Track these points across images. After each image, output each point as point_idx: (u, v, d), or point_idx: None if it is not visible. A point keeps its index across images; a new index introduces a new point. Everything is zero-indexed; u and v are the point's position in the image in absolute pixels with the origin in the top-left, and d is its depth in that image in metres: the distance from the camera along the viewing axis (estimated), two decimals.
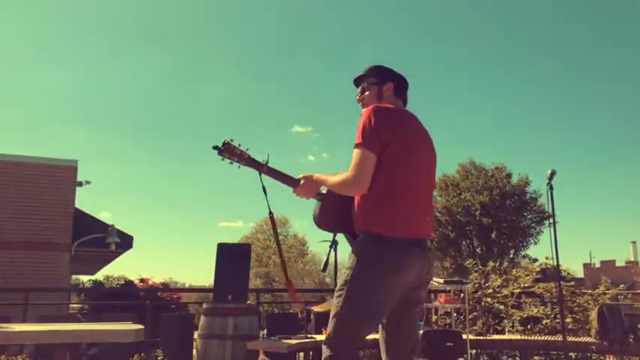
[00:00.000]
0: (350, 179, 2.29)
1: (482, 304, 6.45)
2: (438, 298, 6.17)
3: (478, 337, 5.60)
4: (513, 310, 6.37)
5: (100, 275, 18.94)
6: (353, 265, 2.37)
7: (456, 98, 51.79)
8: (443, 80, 53.38)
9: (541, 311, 6.42)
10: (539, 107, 50.70)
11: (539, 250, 30.17)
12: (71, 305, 12.45)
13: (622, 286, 6.94)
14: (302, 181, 2.53)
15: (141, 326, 3.31)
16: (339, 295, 2.40)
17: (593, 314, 5.26)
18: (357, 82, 2.68)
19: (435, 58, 52.91)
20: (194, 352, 5.75)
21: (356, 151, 2.29)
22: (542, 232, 29.09)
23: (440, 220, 29.60)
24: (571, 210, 51.62)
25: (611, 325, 5.02)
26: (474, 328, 6.04)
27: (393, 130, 2.32)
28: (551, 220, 4.47)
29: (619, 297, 6.62)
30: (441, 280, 6.78)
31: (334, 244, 3.54)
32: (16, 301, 8.14)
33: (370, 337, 5.85)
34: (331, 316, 2.42)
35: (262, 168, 2.58)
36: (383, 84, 2.57)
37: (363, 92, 2.64)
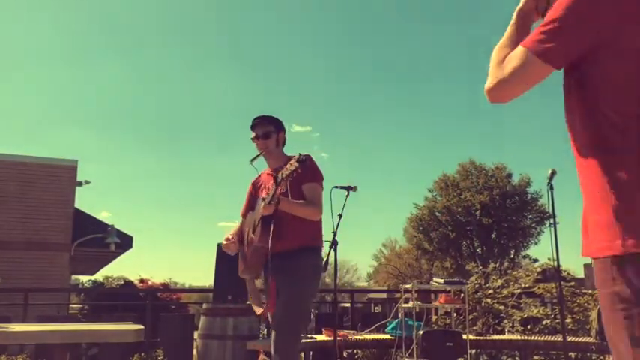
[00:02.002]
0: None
1: (482, 304, 6.45)
2: (438, 298, 6.17)
3: (478, 337, 5.60)
4: (513, 311, 6.37)
5: (99, 275, 18.94)
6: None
7: (457, 98, 51.80)
8: (443, 80, 53.42)
9: (541, 311, 6.42)
10: (539, 107, 50.71)
11: (539, 251, 30.16)
12: (71, 305, 12.45)
13: None
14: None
15: (141, 326, 3.31)
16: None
17: (593, 314, 5.26)
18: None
19: (435, 57, 52.93)
20: (194, 352, 5.75)
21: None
22: (543, 232, 29.07)
23: (440, 220, 29.61)
24: (571, 210, 51.54)
25: None
26: (474, 328, 6.03)
27: None
28: (552, 221, 4.47)
29: None
30: (441, 280, 6.78)
31: (334, 244, 3.55)
32: (16, 301, 8.14)
33: (370, 337, 5.86)
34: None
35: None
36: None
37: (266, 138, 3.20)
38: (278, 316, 2.90)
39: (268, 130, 3.19)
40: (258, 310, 3.05)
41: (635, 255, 1.07)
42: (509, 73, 1.25)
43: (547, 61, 1.21)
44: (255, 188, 3.32)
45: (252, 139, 3.22)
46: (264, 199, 2.89)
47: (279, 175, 2.72)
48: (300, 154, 2.62)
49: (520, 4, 1.40)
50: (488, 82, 1.30)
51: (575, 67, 1.22)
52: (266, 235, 2.91)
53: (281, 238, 2.91)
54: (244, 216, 3.35)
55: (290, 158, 3.01)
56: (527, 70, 1.23)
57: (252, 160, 3.20)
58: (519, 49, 1.24)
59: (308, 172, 2.91)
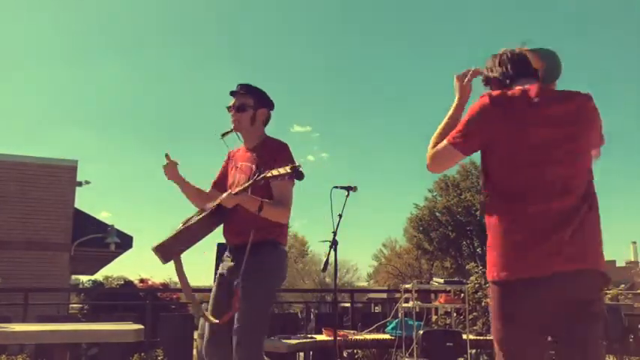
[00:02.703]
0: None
1: (482, 304, 6.45)
2: (438, 298, 6.17)
3: (478, 337, 5.60)
4: None
5: (99, 275, 18.96)
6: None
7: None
8: (443, 80, 53.41)
9: None
10: None
11: None
12: (71, 305, 12.45)
13: (622, 286, 6.94)
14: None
15: (141, 326, 3.31)
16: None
17: None
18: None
19: (435, 57, 52.95)
20: (194, 352, 5.75)
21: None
22: None
23: (440, 220, 29.64)
24: None
25: (611, 325, 5.02)
26: (474, 328, 6.03)
27: None
28: None
29: (619, 297, 6.61)
30: (441, 280, 6.78)
31: (334, 244, 3.55)
32: (16, 301, 8.14)
33: (370, 337, 5.85)
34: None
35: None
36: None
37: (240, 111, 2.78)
38: (241, 322, 2.55)
39: (245, 103, 2.74)
40: (213, 319, 2.61)
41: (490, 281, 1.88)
42: (439, 155, 2.02)
43: (459, 150, 1.97)
44: (229, 161, 2.96)
45: (226, 107, 2.78)
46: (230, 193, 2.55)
47: (259, 173, 2.45)
48: (299, 165, 2.38)
49: (457, 100, 2.16)
50: (427, 159, 2.07)
51: (481, 153, 1.99)
52: (208, 225, 2.63)
53: (239, 229, 2.66)
54: (214, 187, 2.96)
55: (272, 142, 2.77)
56: (449, 154, 2.00)
57: (223, 134, 2.80)
58: (444, 142, 2.00)
59: (279, 161, 2.53)
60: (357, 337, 5.57)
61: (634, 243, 39.41)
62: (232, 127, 2.78)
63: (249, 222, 2.60)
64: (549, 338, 1.86)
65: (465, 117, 1.98)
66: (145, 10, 53.28)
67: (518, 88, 1.98)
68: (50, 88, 52.04)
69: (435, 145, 2.04)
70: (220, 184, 2.93)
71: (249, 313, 2.55)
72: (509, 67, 2.07)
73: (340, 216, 3.57)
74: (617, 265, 36.26)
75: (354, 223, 42.75)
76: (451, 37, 51.82)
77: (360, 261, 72.16)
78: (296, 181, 2.56)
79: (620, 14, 43.70)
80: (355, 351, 6.04)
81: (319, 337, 5.40)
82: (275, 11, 54.44)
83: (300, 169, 2.37)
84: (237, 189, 2.55)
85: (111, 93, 53.64)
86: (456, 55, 50.75)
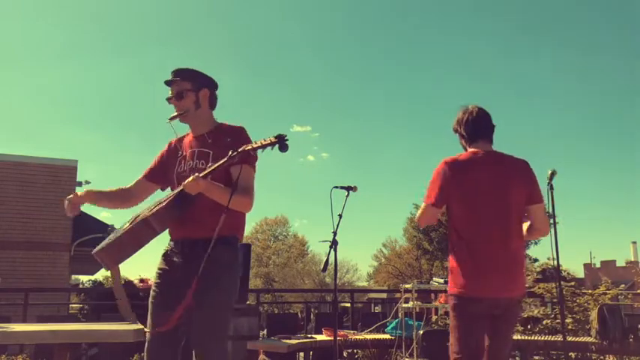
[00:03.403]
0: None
1: None
2: (438, 298, 6.17)
3: None
4: None
5: (99, 275, 18.95)
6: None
7: (457, 98, 51.79)
8: (443, 80, 53.39)
9: (541, 311, 6.42)
10: (539, 107, 50.72)
11: (539, 250, 30.21)
12: (71, 305, 12.45)
13: (622, 286, 6.93)
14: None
15: (141, 326, 3.31)
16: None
17: (594, 314, 5.26)
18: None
19: (435, 57, 52.92)
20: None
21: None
22: None
23: (440, 219, 29.48)
24: (571, 210, 51.63)
25: (611, 325, 5.01)
26: None
27: None
28: (552, 221, 4.46)
29: (619, 297, 6.61)
30: (441, 280, 6.78)
31: (334, 244, 3.54)
32: (16, 301, 8.14)
33: (370, 337, 5.85)
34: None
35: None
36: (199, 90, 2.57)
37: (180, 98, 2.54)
38: (204, 328, 2.34)
39: (183, 89, 2.52)
40: (154, 328, 2.45)
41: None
42: (423, 215, 2.75)
43: (434, 207, 2.69)
44: (171, 151, 2.65)
45: (166, 99, 2.57)
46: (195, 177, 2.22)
47: (234, 151, 2.20)
48: (284, 134, 2.13)
49: None
50: (416, 219, 2.87)
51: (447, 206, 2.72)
52: (164, 218, 2.30)
53: (195, 222, 2.37)
54: (148, 177, 2.67)
55: (227, 126, 2.55)
56: (430, 212, 2.71)
57: (171, 118, 2.54)
58: (423, 204, 2.74)
59: (240, 146, 2.29)
60: (357, 337, 5.57)
61: (634, 243, 39.39)
62: (178, 113, 2.54)
63: (212, 213, 2.29)
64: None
65: (430, 180, 2.71)
66: (145, 10, 53.30)
67: (469, 151, 2.73)
68: (50, 88, 52.07)
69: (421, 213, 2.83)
70: (155, 174, 2.66)
71: (214, 320, 2.34)
72: (469, 129, 2.75)
73: (340, 216, 3.57)
74: (617, 265, 36.24)
75: (354, 223, 42.80)
76: (451, 37, 51.81)
77: (360, 261, 72.17)
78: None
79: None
80: (355, 351, 6.04)
81: (319, 337, 5.40)
82: (275, 11, 54.44)
83: (286, 139, 2.14)
84: (205, 172, 2.27)
85: (111, 93, 53.68)
86: (456, 55, 50.76)
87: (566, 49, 49.43)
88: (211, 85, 2.60)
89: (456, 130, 2.82)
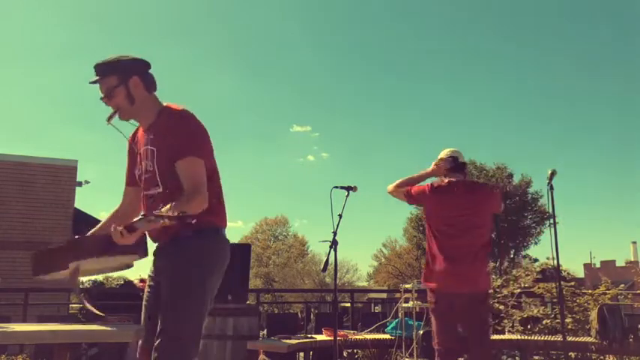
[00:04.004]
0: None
1: None
2: None
3: None
4: (513, 310, 6.36)
5: (99, 275, 18.94)
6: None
7: (457, 98, 51.80)
8: (443, 80, 53.40)
9: (541, 311, 6.41)
10: (539, 107, 50.73)
11: (539, 250, 30.19)
12: (71, 305, 12.45)
13: (622, 286, 6.92)
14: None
15: (141, 326, 3.30)
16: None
17: (593, 314, 5.25)
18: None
19: (435, 57, 52.91)
20: None
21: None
22: (543, 232, 29.12)
23: None
24: (571, 210, 51.64)
25: (611, 325, 5.01)
26: None
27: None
28: (552, 221, 4.46)
29: (619, 297, 6.61)
30: None
31: (334, 244, 3.55)
32: (16, 301, 8.14)
33: (370, 337, 5.84)
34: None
35: None
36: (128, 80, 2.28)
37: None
38: (160, 327, 2.24)
39: (109, 85, 2.26)
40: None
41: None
42: (398, 191, 3.80)
43: (407, 198, 3.76)
44: (131, 151, 2.45)
45: (100, 99, 2.31)
46: (143, 218, 1.89)
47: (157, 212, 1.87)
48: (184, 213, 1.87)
49: (428, 172, 3.80)
50: (391, 185, 3.81)
51: (425, 216, 3.75)
52: (92, 250, 2.19)
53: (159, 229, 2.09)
54: (129, 183, 2.47)
55: (165, 114, 2.27)
56: (402, 196, 3.79)
57: (108, 120, 2.28)
58: (407, 187, 3.76)
59: (181, 137, 2.11)
60: (357, 337, 5.57)
61: (634, 243, 39.43)
62: (115, 111, 2.30)
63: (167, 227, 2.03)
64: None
65: (421, 186, 3.69)
66: (146, 10, 53.29)
67: (448, 180, 3.63)
68: (50, 88, 52.06)
69: (399, 184, 3.77)
70: (133, 179, 2.45)
71: (166, 318, 2.24)
72: (450, 165, 3.66)
73: (340, 216, 3.57)
74: (617, 265, 36.25)
75: (354, 223, 42.79)
76: (451, 37, 51.81)
77: (360, 261, 72.17)
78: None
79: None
80: (355, 351, 6.04)
81: (319, 337, 5.40)
82: (275, 11, 54.44)
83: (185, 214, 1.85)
84: (138, 220, 1.91)
85: None
86: (455, 55, 50.73)
87: (566, 49, 49.45)
88: (140, 68, 2.30)
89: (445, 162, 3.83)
